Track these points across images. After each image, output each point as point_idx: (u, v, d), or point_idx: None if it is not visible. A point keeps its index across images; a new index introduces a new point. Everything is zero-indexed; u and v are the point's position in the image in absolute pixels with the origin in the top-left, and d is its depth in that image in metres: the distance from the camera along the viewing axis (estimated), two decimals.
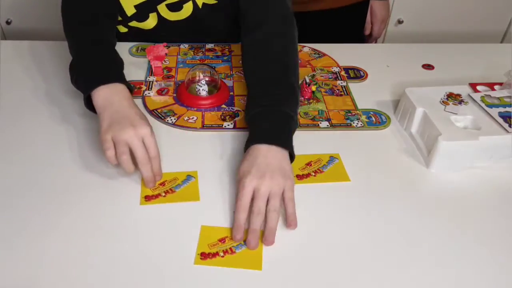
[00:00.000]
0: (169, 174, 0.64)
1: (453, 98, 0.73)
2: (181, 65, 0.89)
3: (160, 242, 0.55)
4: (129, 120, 0.61)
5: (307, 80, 0.80)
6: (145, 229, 0.57)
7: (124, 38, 0.92)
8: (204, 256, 0.53)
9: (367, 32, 1.16)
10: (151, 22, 0.89)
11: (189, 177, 0.63)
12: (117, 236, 0.56)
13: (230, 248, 0.54)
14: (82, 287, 0.50)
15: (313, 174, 0.65)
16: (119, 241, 0.55)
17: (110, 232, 0.56)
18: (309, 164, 0.66)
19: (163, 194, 0.61)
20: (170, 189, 0.61)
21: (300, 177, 0.64)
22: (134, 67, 0.87)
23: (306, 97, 0.80)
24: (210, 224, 0.57)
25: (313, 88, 0.80)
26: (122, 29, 0.92)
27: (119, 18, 0.88)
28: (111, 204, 0.60)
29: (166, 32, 0.91)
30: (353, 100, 0.81)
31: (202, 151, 0.69)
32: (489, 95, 0.74)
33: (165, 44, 0.86)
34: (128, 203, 0.60)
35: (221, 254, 0.53)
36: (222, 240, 0.55)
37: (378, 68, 0.91)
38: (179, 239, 0.55)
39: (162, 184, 0.62)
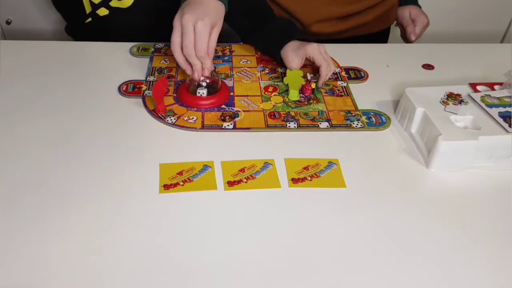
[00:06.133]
0: (186, 164, 0.65)
1: (453, 98, 0.73)
2: None
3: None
4: None
5: (309, 78, 0.80)
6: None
7: (105, 21, 0.94)
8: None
9: (413, 38, 1.13)
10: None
11: (206, 167, 0.65)
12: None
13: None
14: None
15: (309, 178, 0.64)
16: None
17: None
18: (306, 168, 0.66)
19: (181, 183, 0.62)
20: (188, 178, 0.63)
21: (295, 180, 0.64)
22: (134, 67, 0.88)
23: (306, 94, 0.80)
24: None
25: (313, 85, 0.81)
26: (103, 12, 0.94)
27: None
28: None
29: (144, 12, 0.94)
30: (353, 100, 0.81)
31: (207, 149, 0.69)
32: (489, 95, 0.74)
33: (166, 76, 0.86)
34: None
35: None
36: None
37: (378, 68, 0.91)
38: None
39: (180, 173, 0.64)
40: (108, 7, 0.94)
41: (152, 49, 0.93)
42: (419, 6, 1.14)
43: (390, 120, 0.76)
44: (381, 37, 1.14)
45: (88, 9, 0.95)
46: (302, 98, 0.80)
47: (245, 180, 0.63)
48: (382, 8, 1.06)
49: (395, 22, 1.16)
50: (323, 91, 0.83)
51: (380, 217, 0.60)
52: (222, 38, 0.98)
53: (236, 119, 0.75)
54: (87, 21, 0.97)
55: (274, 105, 0.78)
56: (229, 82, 0.84)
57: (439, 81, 0.86)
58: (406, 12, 1.11)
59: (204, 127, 0.73)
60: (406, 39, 1.15)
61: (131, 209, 0.59)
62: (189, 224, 0.57)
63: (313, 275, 0.52)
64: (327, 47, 0.96)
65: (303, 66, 0.90)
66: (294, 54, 0.82)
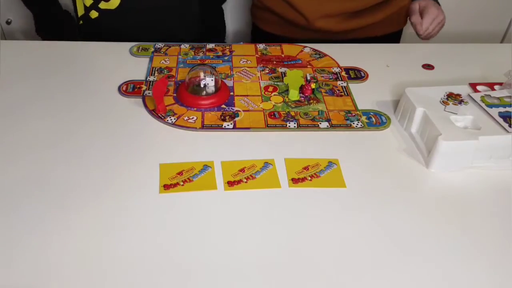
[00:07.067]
0: (186, 164, 0.65)
1: (453, 98, 0.73)
2: (182, 65, 0.89)
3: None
4: None
5: (308, 78, 0.80)
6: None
7: (96, 23, 0.98)
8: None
9: (419, 29, 1.06)
10: (115, 0, 0.96)
11: (206, 166, 0.65)
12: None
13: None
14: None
15: (309, 178, 0.64)
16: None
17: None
18: (306, 168, 0.66)
19: (181, 183, 0.62)
20: (188, 178, 0.63)
21: (295, 180, 0.64)
22: (134, 67, 0.88)
23: (306, 94, 0.80)
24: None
25: (313, 85, 0.81)
26: (94, 14, 0.97)
27: (90, 2, 0.96)
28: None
29: (132, 12, 0.98)
30: (353, 100, 0.81)
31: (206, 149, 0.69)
32: (489, 95, 0.74)
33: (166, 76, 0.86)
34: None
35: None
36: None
37: (378, 68, 0.91)
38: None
39: (180, 173, 0.64)
40: (97, 9, 0.95)
41: (152, 49, 0.93)
42: (436, 1, 1.08)
43: (390, 120, 0.76)
44: (391, 41, 1.11)
45: (80, 12, 0.96)
46: (302, 98, 0.80)
47: (245, 180, 0.63)
48: (390, 9, 1.05)
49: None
50: (323, 91, 0.83)
51: (380, 217, 0.60)
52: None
53: (236, 119, 0.75)
54: (79, 23, 0.99)
55: (274, 105, 0.78)
56: (229, 82, 0.84)
57: (439, 81, 0.86)
58: (416, 5, 1.07)
59: (204, 127, 0.73)
60: (417, 35, 1.11)
61: (131, 209, 0.59)
62: (189, 224, 0.57)
63: (313, 275, 0.52)
64: (328, 46, 0.96)
65: (303, 67, 0.90)
66: None
